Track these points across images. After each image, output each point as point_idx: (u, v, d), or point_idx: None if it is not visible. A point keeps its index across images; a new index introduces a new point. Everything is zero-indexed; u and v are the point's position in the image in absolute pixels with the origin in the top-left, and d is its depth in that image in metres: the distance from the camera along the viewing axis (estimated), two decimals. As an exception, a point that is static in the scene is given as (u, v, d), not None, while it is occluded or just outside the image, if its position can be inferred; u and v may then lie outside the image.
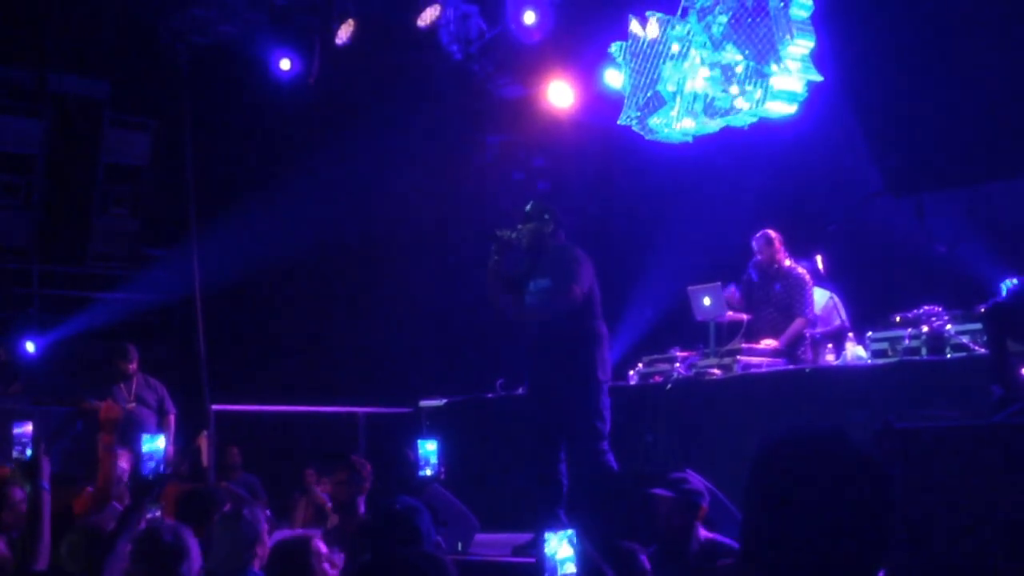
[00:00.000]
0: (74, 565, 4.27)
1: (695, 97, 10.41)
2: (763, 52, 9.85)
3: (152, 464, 4.65)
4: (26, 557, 4.17)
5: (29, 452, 4.54)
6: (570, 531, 3.68)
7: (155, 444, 4.71)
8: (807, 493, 2.00)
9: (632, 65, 10.75)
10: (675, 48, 10.48)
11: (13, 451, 4.55)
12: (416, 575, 2.87)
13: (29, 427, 4.58)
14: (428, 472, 5.95)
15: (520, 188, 13.69)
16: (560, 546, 3.63)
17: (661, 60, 10.53)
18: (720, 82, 10.19)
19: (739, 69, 10.02)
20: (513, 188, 13.72)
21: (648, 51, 10.63)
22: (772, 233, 9.93)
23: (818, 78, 9.82)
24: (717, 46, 10.19)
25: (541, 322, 8.04)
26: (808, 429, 2.11)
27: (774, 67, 9.75)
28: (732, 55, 10.07)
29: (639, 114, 10.72)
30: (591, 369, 7.82)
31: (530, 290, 8.14)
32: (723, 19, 10.17)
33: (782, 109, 9.95)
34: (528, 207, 8.33)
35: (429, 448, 6.08)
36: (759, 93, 9.84)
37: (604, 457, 7.75)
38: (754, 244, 9.97)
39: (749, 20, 9.97)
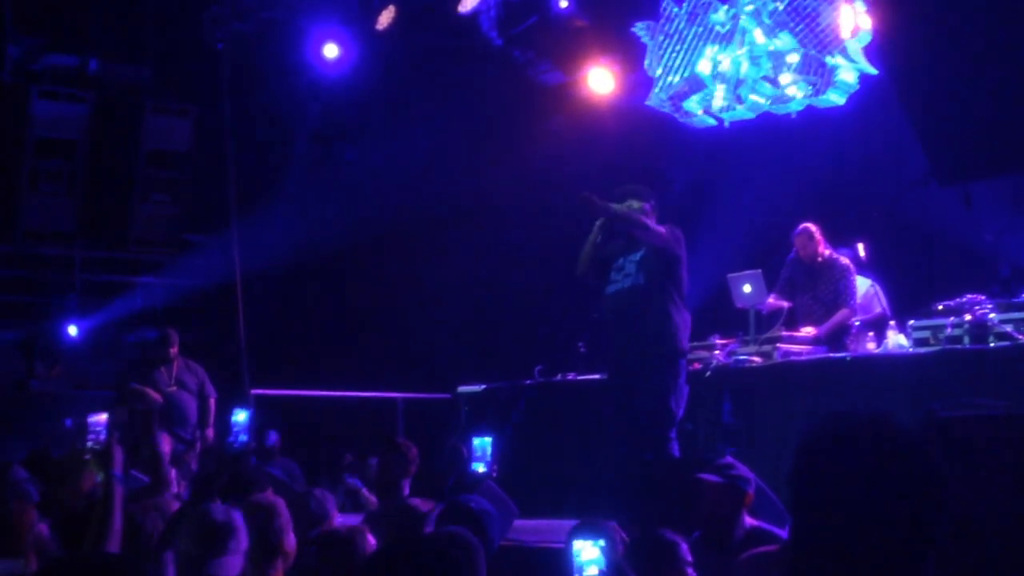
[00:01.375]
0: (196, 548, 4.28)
1: (739, 82, 10.35)
2: (825, 42, 9.81)
3: (236, 437, 4.75)
4: (97, 543, 4.19)
5: (103, 440, 4.58)
6: (601, 541, 3.68)
7: (240, 417, 4.80)
8: (854, 479, 1.96)
9: (665, 46, 10.68)
10: (718, 31, 10.41)
11: (87, 440, 4.59)
12: (440, 558, 2.84)
13: (104, 416, 4.63)
14: (482, 468, 5.89)
15: (560, 176, 13.66)
16: (586, 550, 3.63)
17: (701, 42, 10.46)
18: (770, 69, 10.13)
19: (792, 58, 9.96)
20: (553, 174, 13.69)
21: (685, 32, 10.55)
22: (812, 227, 9.82)
23: (872, 71, 9.76)
24: (770, 33, 10.12)
25: (625, 302, 8.00)
26: (854, 414, 2.06)
27: (839, 59, 9.71)
28: (786, 43, 10.00)
29: (671, 95, 10.66)
30: (672, 352, 7.83)
31: (619, 267, 8.12)
32: (778, 6, 10.09)
33: (836, 99, 9.90)
34: (624, 188, 8.32)
35: (483, 443, 6.01)
36: (818, 83, 9.79)
37: (670, 444, 7.76)
38: (795, 241, 9.87)
39: (810, 9, 9.90)
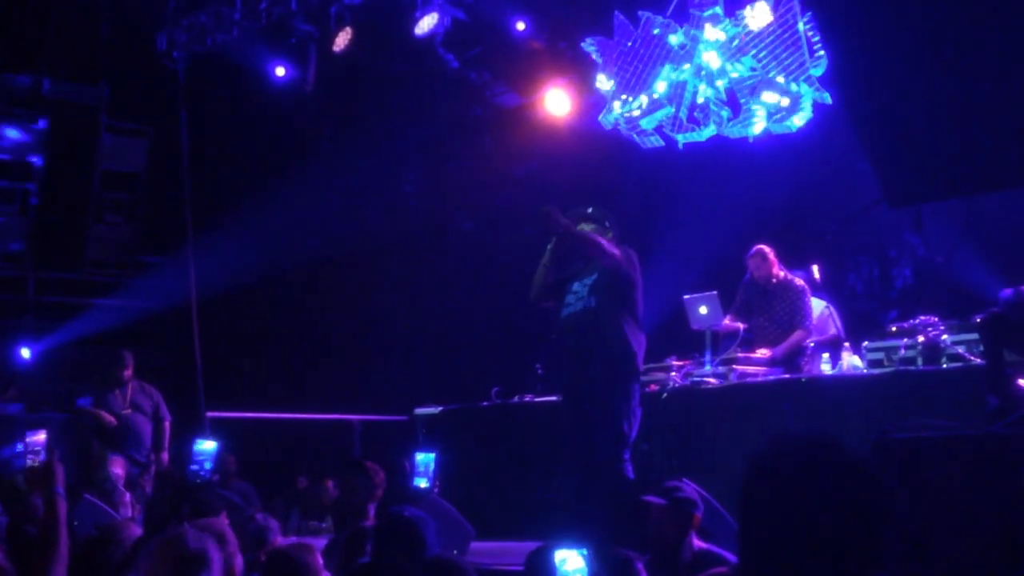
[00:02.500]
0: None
1: (694, 105, 10.43)
2: (791, 69, 9.92)
3: (201, 466, 4.71)
4: (43, 565, 4.13)
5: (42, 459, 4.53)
6: (584, 549, 3.67)
7: (205, 447, 4.77)
8: (802, 501, 1.98)
9: (619, 64, 10.72)
10: (675, 52, 10.47)
11: (27, 459, 4.53)
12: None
13: (43, 435, 4.57)
14: (424, 483, 5.90)
15: (515, 198, 13.69)
16: (571, 560, 3.62)
17: (658, 63, 10.52)
18: (724, 93, 10.21)
19: (751, 82, 10.05)
20: (509, 197, 13.72)
21: (642, 51, 10.61)
22: (765, 249, 9.86)
23: (827, 99, 9.89)
24: (732, 56, 10.19)
25: (578, 324, 7.98)
26: (801, 436, 2.08)
27: (802, 86, 9.83)
28: (747, 67, 10.09)
29: (626, 114, 10.70)
30: (625, 375, 7.85)
31: (573, 291, 8.08)
32: (737, 30, 10.18)
33: (795, 125, 10.03)
34: (589, 210, 8.29)
35: (426, 459, 6.02)
36: (780, 110, 9.90)
37: (624, 466, 7.75)
38: (749, 263, 9.90)
39: (774, 38, 10.00)
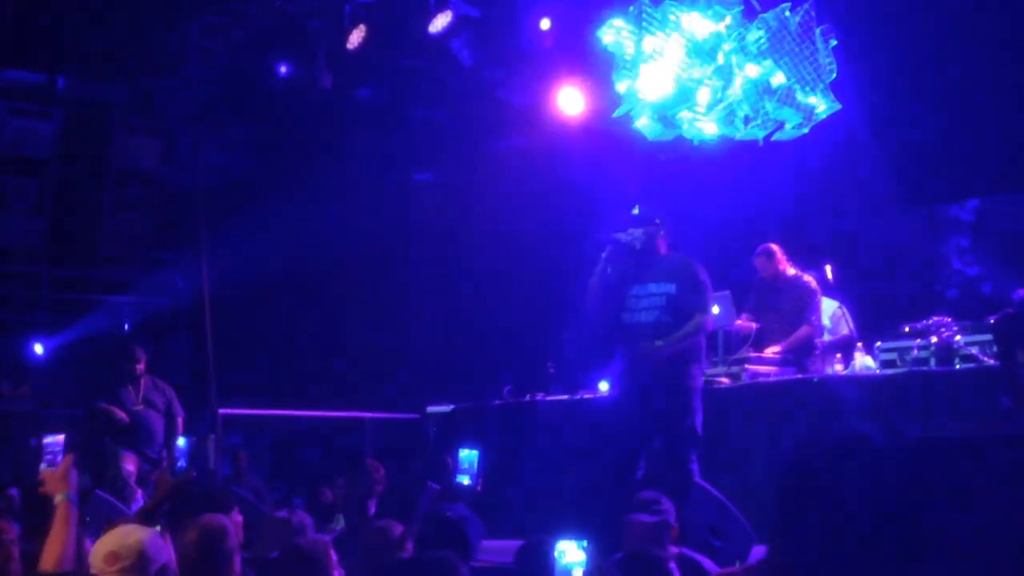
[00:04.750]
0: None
1: (719, 102, 10.27)
2: (807, 78, 9.84)
3: (178, 463, 4.75)
4: (47, 559, 4.13)
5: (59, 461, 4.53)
6: (584, 542, 3.66)
7: (180, 443, 4.80)
8: (844, 500, 1.97)
9: (641, 56, 10.37)
10: (702, 49, 10.26)
11: (43, 461, 4.53)
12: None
13: (61, 438, 4.57)
14: (466, 481, 5.76)
15: (528, 194, 13.69)
16: (571, 552, 3.62)
17: (683, 59, 10.24)
18: (752, 96, 10.10)
19: (775, 84, 9.96)
20: (522, 194, 13.72)
21: (664, 47, 10.29)
22: (771, 247, 9.82)
23: (838, 106, 9.85)
24: (753, 59, 10.08)
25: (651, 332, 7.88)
26: (838, 435, 2.07)
27: (817, 97, 9.78)
28: (769, 72, 10.00)
29: (654, 104, 10.29)
30: (692, 378, 7.85)
31: (636, 294, 7.97)
32: (760, 35, 10.06)
33: (801, 129, 10.01)
34: (636, 210, 8.14)
35: (469, 456, 5.89)
36: (800, 116, 9.84)
37: (692, 466, 7.74)
38: (755, 261, 9.87)
39: (793, 44, 9.90)
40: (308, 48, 13.05)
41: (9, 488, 7.63)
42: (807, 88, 9.88)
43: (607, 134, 11.95)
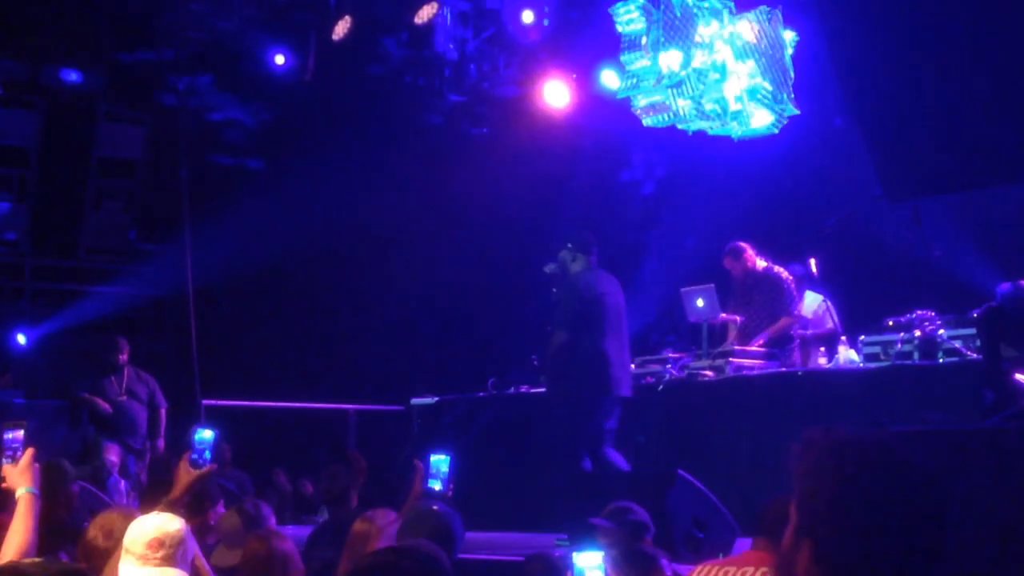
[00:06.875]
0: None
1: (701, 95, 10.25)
2: (780, 83, 9.92)
3: (201, 455, 4.74)
4: (6, 550, 4.13)
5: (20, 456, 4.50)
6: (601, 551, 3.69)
7: (205, 435, 4.77)
8: (868, 501, 1.96)
9: (662, 31, 10.11)
10: (706, 39, 10.21)
11: (4, 457, 4.50)
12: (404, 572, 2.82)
13: (21, 433, 4.53)
14: (437, 486, 5.71)
15: (512, 189, 13.68)
16: (590, 560, 3.63)
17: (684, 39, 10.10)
18: (728, 89, 10.14)
19: (756, 85, 10.02)
20: (506, 188, 13.71)
21: (681, 27, 10.15)
22: (739, 245, 9.87)
23: (795, 111, 10.03)
24: (743, 59, 10.11)
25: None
26: (858, 434, 2.05)
27: (785, 104, 9.89)
28: (754, 70, 10.05)
29: (673, 87, 10.08)
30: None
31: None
32: (743, 40, 10.10)
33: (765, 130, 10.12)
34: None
35: (438, 462, 5.85)
36: (772, 117, 9.94)
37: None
38: (724, 262, 9.93)
39: (769, 51, 9.96)
40: (293, 38, 13.02)
41: None
42: (787, 92, 9.97)
43: (590, 129, 11.97)
